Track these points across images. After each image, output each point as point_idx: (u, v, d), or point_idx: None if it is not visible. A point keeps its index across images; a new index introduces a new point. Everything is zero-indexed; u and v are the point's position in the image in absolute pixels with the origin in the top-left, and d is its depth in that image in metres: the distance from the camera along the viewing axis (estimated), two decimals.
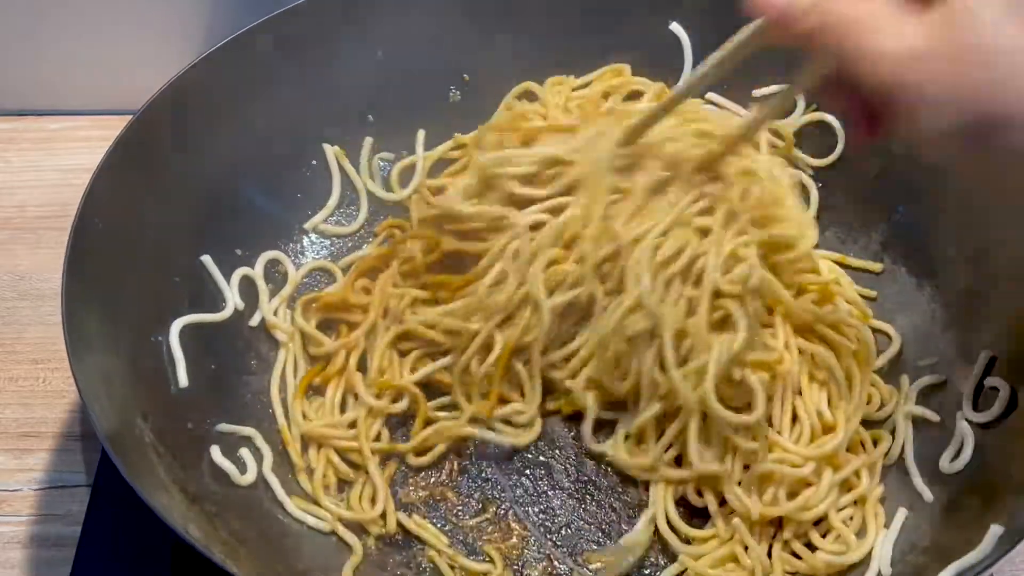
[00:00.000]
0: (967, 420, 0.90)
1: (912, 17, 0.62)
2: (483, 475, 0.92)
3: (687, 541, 0.88)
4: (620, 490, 0.91)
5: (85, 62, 1.19)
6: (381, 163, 1.09)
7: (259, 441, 0.92)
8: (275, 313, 0.99)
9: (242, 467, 0.89)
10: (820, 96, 0.75)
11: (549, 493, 0.91)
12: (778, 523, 0.88)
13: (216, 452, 0.89)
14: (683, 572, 0.87)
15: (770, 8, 0.68)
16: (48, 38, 1.20)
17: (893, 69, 0.62)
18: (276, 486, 0.90)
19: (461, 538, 0.89)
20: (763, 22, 0.70)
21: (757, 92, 1.06)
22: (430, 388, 0.95)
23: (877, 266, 1.03)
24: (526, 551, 0.88)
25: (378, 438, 0.93)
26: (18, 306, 1.07)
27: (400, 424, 0.95)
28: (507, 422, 0.94)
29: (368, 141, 1.09)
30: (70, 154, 1.19)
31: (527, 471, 0.93)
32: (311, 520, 0.89)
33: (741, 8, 0.69)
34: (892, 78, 0.62)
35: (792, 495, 0.87)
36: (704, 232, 0.89)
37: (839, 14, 0.64)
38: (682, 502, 0.90)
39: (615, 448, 0.91)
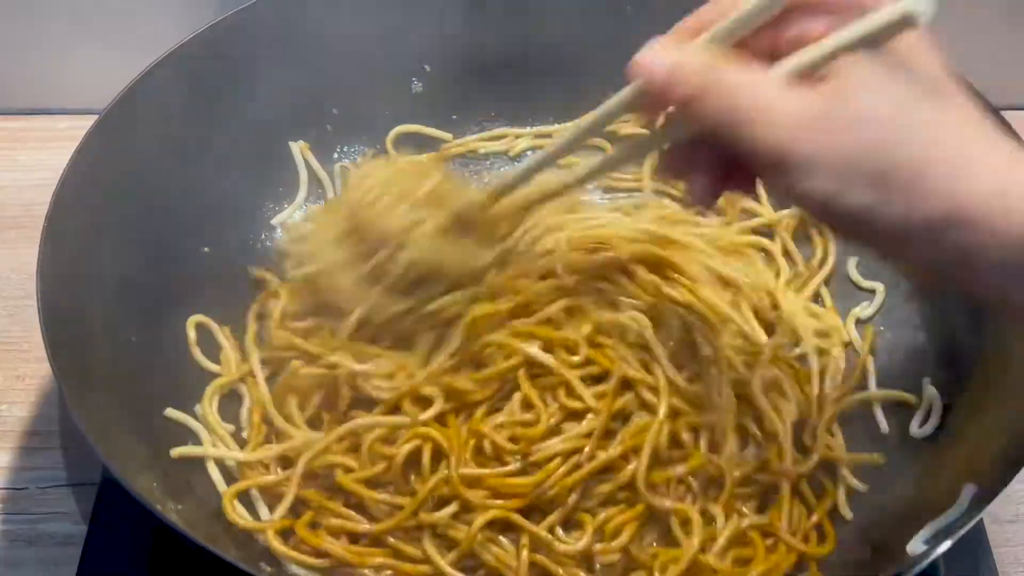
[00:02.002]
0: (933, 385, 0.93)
1: (805, 88, 0.60)
2: None
3: None
4: None
5: (93, 61, 1.19)
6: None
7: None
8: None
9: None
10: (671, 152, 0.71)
11: None
12: None
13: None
14: None
15: (655, 71, 0.64)
16: (56, 37, 1.20)
17: (786, 135, 0.59)
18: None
19: None
20: (641, 85, 0.66)
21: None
22: None
23: None
24: None
25: None
26: (26, 305, 1.06)
27: None
28: None
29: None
30: None
31: None
32: None
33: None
34: (784, 144, 0.59)
35: None
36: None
37: (727, 78, 0.61)
38: None
39: None
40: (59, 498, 0.95)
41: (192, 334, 0.97)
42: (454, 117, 1.14)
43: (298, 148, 1.09)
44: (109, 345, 0.89)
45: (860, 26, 0.59)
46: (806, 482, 0.90)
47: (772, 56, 0.63)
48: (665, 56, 0.64)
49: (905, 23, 0.58)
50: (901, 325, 0.99)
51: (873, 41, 0.59)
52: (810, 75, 0.61)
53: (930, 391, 0.93)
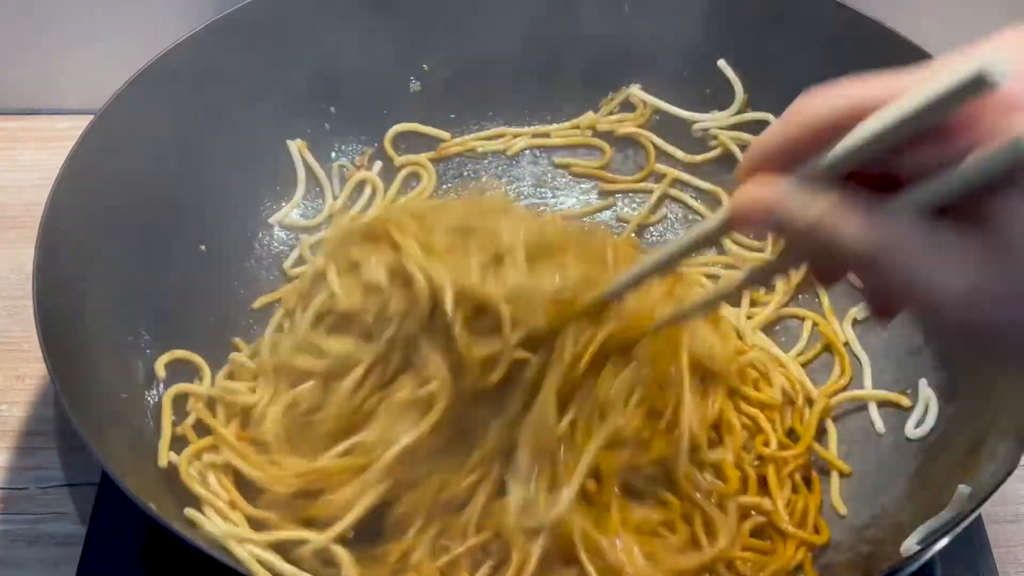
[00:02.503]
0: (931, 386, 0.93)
1: (960, 230, 0.52)
2: None
3: None
4: None
5: (93, 61, 1.19)
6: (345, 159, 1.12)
7: None
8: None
9: None
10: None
11: None
12: None
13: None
14: None
15: (754, 222, 0.58)
16: (56, 37, 1.21)
17: (962, 296, 0.52)
18: None
19: None
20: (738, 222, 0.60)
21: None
22: None
23: None
24: None
25: None
26: (26, 305, 1.04)
27: None
28: None
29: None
30: None
31: None
32: None
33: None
34: (972, 321, 0.52)
35: None
36: None
37: (855, 237, 0.53)
38: None
39: None
40: (59, 498, 0.95)
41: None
42: (452, 116, 1.15)
43: (296, 147, 1.09)
44: (105, 345, 0.90)
45: (932, 89, 0.51)
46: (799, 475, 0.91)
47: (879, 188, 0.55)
48: (768, 196, 0.57)
49: (980, 84, 0.49)
50: (897, 326, 0.98)
51: (946, 107, 0.51)
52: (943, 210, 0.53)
53: (926, 392, 0.93)
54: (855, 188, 0.55)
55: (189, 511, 0.83)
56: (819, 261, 0.58)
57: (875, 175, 0.55)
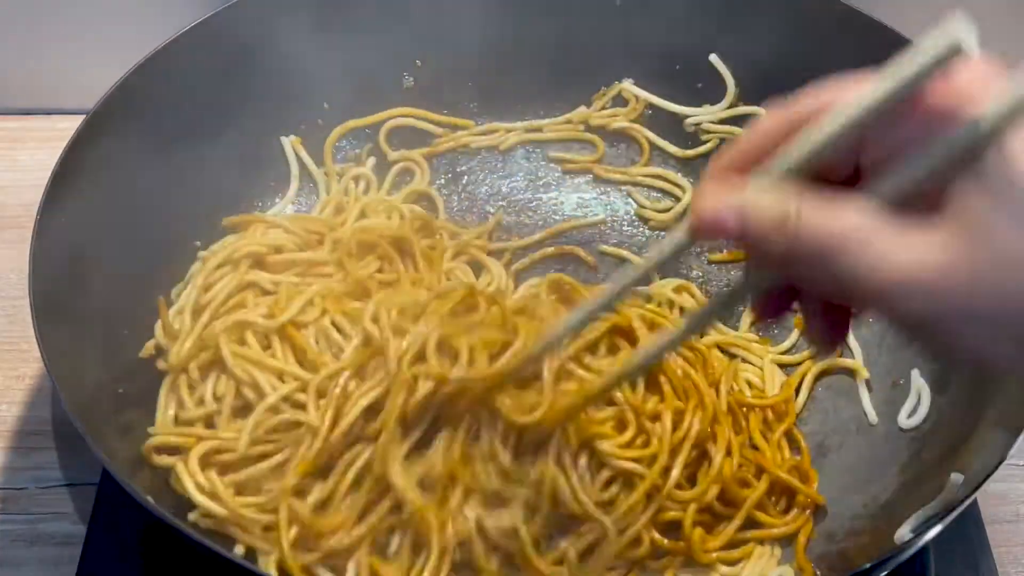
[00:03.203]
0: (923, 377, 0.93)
1: (918, 223, 0.52)
2: None
3: None
4: None
5: (93, 61, 1.19)
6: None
7: None
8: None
9: None
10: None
11: None
12: None
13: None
14: None
15: (722, 220, 0.56)
16: (56, 37, 1.21)
17: (920, 288, 0.51)
18: None
19: None
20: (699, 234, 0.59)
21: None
22: None
23: None
24: None
25: None
26: (25, 304, 1.06)
27: None
28: None
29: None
30: None
31: None
32: None
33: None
34: (935, 313, 0.52)
35: None
36: None
37: (818, 231, 0.53)
38: None
39: None
40: (59, 498, 0.95)
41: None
42: (445, 112, 1.15)
43: (289, 143, 1.10)
44: (102, 340, 0.90)
45: (906, 67, 0.52)
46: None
47: (846, 183, 0.56)
48: (730, 200, 0.56)
49: (952, 54, 0.51)
50: None
51: (920, 80, 0.52)
52: (908, 204, 0.53)
53: (919, 382, 0.94)
54: (819, 185, 0.55)
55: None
56: (781, 267, 0.56)
57: (838, 178, 0.56)
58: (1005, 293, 0.50)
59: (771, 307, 0.63)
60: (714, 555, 0.86)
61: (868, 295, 0.53)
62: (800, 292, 0.61)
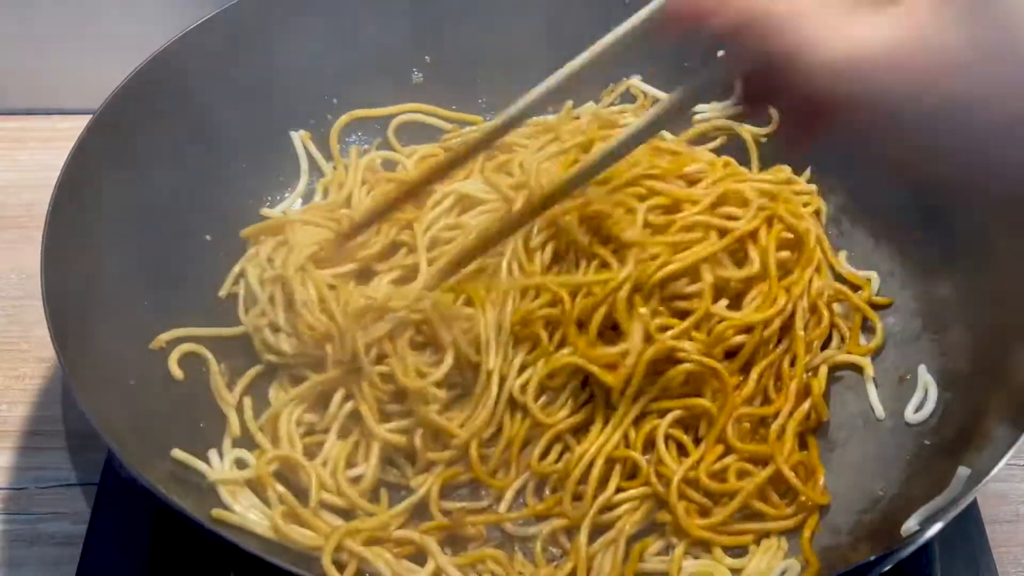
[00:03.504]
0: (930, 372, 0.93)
1: (865, 13, 0.55)
2: None
3: None
4: None
5: (93, 61, 1.19)
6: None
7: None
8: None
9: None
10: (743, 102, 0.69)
11: None
12: None
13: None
14: None
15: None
16: (56, 37, 1.21)
17: (848, 71, 0.55)
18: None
19: None
20: (661, 7, 0.63)
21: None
22: None
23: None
24: None
25: None
26: (25, 305, 1.07)
27: None
28: None
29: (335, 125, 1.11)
30: None
31: None
32: None
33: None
34: (849, 81, 0.55)
35: None
36: None
37: (768, 6, 0.56)
38: None
39: None
40: (59, 498, 0.95)
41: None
42: (454, 107, 1.15)
43: (299, 137, 1.10)
44: (113, 336, 0.89)
45: None
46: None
47: None
48: None
49: None
50: (897, 312, 0.99)
51: None
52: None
53: (926, 377, 0.93)
54: None
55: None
56: (747, 39, 0.59)
57: None
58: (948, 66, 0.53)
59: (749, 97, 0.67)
60: (707, 534, 0.86)
61: (813, 70, 0.55)
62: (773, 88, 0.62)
